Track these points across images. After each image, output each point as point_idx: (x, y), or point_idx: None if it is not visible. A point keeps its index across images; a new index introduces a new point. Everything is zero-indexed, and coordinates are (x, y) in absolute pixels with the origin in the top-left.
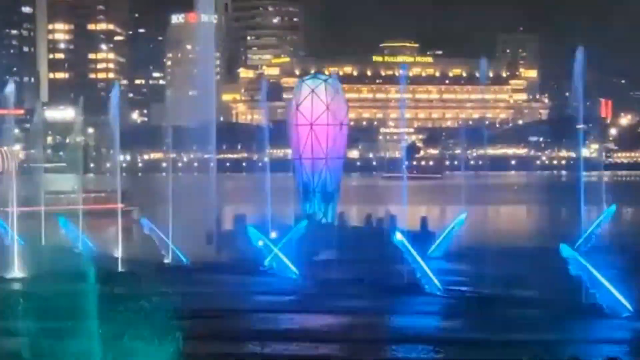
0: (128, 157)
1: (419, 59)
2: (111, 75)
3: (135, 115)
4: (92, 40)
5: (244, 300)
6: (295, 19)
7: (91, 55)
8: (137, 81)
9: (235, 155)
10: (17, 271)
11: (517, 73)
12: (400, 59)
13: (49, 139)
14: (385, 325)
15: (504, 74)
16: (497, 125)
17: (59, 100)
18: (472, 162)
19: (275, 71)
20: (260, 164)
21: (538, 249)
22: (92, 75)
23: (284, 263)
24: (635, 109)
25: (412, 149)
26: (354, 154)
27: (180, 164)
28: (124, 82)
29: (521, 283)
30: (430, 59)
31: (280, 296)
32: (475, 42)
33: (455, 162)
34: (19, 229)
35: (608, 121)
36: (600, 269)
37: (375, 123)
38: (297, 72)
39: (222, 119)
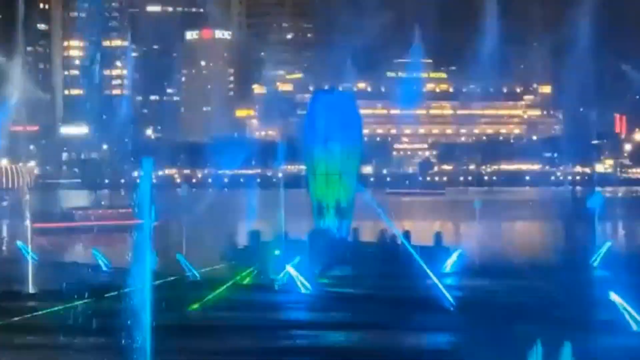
0: (142, 173)
1: (432, 74)
2: (125, 91)
3: (149, 131)
4: (107, 56)
5: (255, 315)
6: (309, 35)
7: (106, 72)
8: (152, 97)
9: (249, 171)
10: (30, 287)
11: (531, 89)
12: (414, 74)
13: (64, 155)
14: (398, 340)
15: (517, 90)
16: (512, 141)
17: (73, 117)
18: (485, 178)
19: (289, 87)
20: (274, 180)
21: (553, 265)
22: (107, 92)
23: (297, 279)
24: None
25: (426, 165)
26: (368, 169)
27: (194, 180)
28: (139, 98)
29: (535, 299)
30: (444, 75)
31: (293, 312)
32: (489, 58)
33: (470, 178)
34: (40, 246)
35: (622, 136)
36: (613, 283)
37: (389, 139)
38: (311, 88)
39: (236, 134)
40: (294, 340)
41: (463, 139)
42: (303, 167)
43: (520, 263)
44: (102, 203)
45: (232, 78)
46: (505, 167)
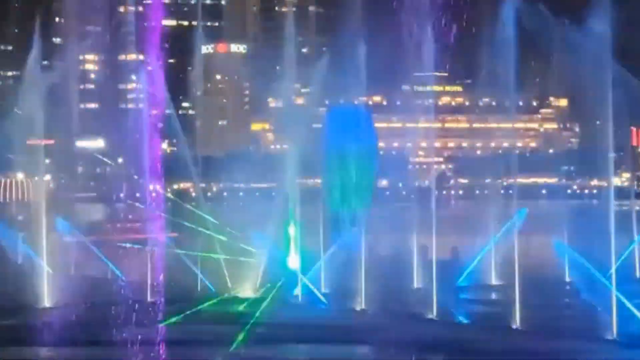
0: (158, 187)
1: (448, 88)
2: (141, 105)
3: (164, 145)
4: (122, 70)
5: (272, 330)
6: (324, 49)
7: (121, 86)
8: (167, 111)
9: (264, 185)
10: (46, 301)
11: (547, 102)
12: (429, 88)
13: (79, 169)
14: (409, 355)
15: (534, 103)
16: (528, 155)
17: (89, 130)
18: (502, 192)
19: (304, 100)
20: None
21: (568, 279)
22: (122, 106)
23: (313, 293)
24: None
25: (442, 178)
26: (383, 183)
27: (209, 194)
28: (154, 112)
29: (549, 313)
30: (459, 88)
31: (309, 326)
32: (504, 71)
33: (486, 192)
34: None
35: (639, 150)
36: (631, 297)
37: (405, 152)
38: (327, 102)
39: (251, 148)
40: (309, 355)
41: (479, 152)
42: (319, 180)
43: (533, 277)
44: (130, 217)
45: (247, 92)
46: (522, 180)
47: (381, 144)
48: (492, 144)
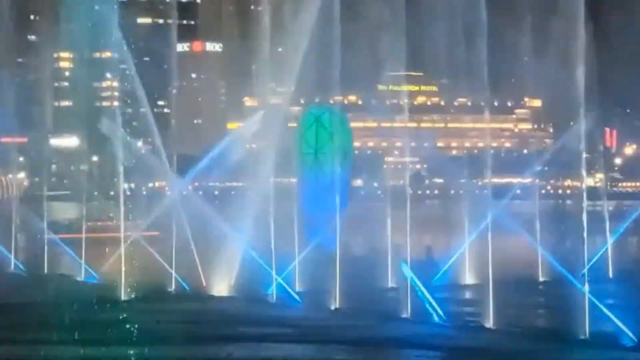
0: (133, 185)
1: (423, 87)
2: (115, 103)
3: (139, 144)
4: (97, 68)
5: (246, 329)
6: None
7: (95, 84)
8: (142, 109)
9: (239, 184)
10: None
11: (522, 102)
12: (405, 87)
13: (53, 167)
14: (386, 353)
15: (508, 103)
16: (502, 155)
17: (63, 128)
18: (476, 192)
19: (280, 100)
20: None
21: (541, 279)
22: (97, 104)
23: (287, 292)
24: None
25: (417, 178)
26: (358, 182)
27: (184, 192)
28: (129, 110)
29: (522, 313)
30: (435, 88)
31: (283, 325)
32: (480, 72)
33: (461, 191)
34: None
35: (613, 150)
36: (603, 298)
37: (380, 152)
38: (302, 101)
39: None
40: (286, 352)
41: (454, 152)
42: (294, 179)
43: (508, 277)
44: (111, 215)
45: (223, 90)
46: (496, 180)
47: (356, 144)
48: (467, 144)
